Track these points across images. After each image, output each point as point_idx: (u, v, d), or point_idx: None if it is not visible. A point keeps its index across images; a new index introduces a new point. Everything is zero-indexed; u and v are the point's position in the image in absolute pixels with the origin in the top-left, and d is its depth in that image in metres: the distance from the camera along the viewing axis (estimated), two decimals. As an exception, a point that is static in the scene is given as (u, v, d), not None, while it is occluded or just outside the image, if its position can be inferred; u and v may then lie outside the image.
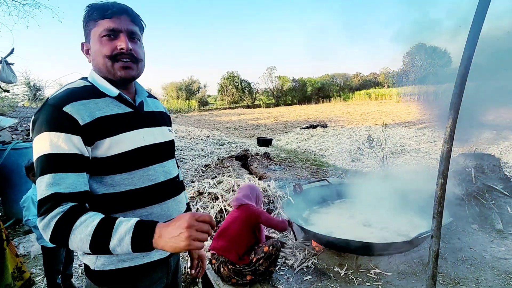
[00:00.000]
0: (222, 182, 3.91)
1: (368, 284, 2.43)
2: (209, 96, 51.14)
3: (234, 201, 2.56)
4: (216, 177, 5.24)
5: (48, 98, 0.98)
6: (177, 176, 1.23)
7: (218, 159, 7.26)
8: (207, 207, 3.48)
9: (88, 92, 1.01)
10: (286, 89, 45.31)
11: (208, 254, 2.76)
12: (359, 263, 2.67)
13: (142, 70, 1.11)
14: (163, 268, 1.15)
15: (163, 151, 1.16)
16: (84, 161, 0.94)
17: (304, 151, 10.10)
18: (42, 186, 0.89)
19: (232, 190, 3.70)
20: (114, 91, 1.04)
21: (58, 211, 0.87)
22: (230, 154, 7.90)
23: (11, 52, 4.71)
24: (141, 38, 1.12)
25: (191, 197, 3.62)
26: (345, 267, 2.63)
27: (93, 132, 0.95)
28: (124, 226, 0.84)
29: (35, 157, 0.92)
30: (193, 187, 3.87)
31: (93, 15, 1.02)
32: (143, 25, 1.13)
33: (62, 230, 0.85)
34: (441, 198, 1.10)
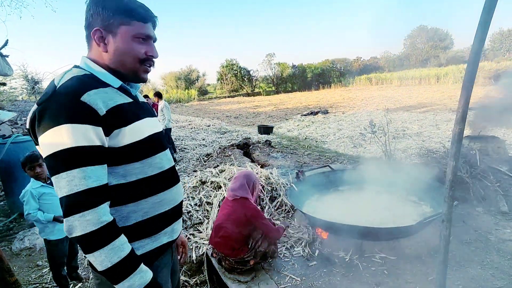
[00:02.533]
0: (224, 170, 3.89)
1: (373, 268, 2.43)
2: (208, 85, 50.73)
3: (229, 191, 2.46)
4: (218, 166, 5.22)
5: (54, 86, 0.94)
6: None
7: (219, 148, 7.24)
8: (210, 196, 3.47)
9: (94, 81, 1.00)
10: (286, 75, 44.85)
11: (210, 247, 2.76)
12: (363, 248, 2.67)
13: None
14: (169, 250, 1.23)
15: (163, 140, 1.21)
16: (105, 152, 0.95)
17: (306, 138, 10.06)
18: (73, 181, 0.87)
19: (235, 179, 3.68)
20: (117, 81, 1.06)
21: (100, 213, 0.90)
22: (231, 143, 7.86)
23: (6, 44, 4.60)
24: None
25: (193, 187, 3.60)
26: (350, 253, 2.63)
27: (111, 122, 0.95)
28: (140, 278, 0.95)
29: (52, 151, 0.88)
30: (195, 176, 3.85)
31: (128, 11, 1.03)
32: None
33: (102, 238, 0.90)
34: (453, 181, 1.07)
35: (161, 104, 7.14)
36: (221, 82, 45.30)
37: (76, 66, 1.06)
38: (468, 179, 3.32)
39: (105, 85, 1.02)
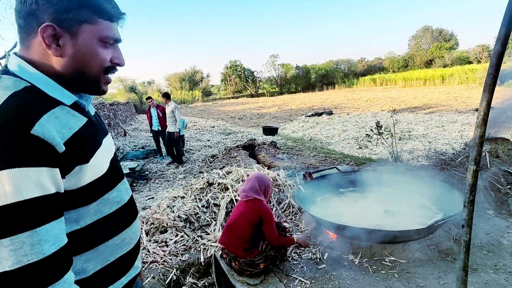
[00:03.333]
0: (231, 172, 3.88)
1: (383, 272, 2.41)
2: (212, 86, 50.99)
3: (241, 192, 2.47)
4: (224, 167, 5.21)
5: None
6: None
7: (225, 149, 7.24)
8: (218, 198, 3.47)
9: (39, 98, 0.72)
10: (290, 76, 44.87)
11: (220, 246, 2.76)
12: (373, 251, 2.64)
13: None
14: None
15: (119, 164, 0.96)
16: (61, 200, 0.71)
17: (311, 139, 10.04)
18: (21, 249, 0.61)
19: (242, 180, 3.67)
20: (71, 97, 0.80)
21: None
22: (236, 144, 7.86)
23: (15, 46, 4.66)
24: None
25: (201, 188, 3.60)
26: (359, 255, 2.61)
27: (70, 158, 0.71)
28: None
29: None
30: (202, 178, 3.85)
31: (94, 6, 0.78)
32: None
33: None
34: (473, 186, 1.05)
35: (171, 105, 6.75)
36: (225, 83, 45.48)
37: (5, 72, 0.75)
38: (478, 182, 3.27)
39: (53, 103, 0.74)
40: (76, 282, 0.76)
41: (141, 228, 3.09)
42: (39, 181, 0.64)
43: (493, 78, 0.99)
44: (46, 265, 0.64)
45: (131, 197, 0.97)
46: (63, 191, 0.71)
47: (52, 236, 0.65)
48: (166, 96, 7.00)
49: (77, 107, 0.82)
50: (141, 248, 2.87)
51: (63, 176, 0.70)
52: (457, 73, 31.03)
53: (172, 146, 6.99)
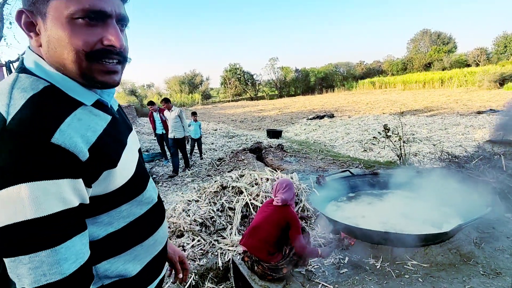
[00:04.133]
0: (244, 175, 3.86)
1: (406, 276, 2.38)
2: (211, 89, 51.05)
3: (280, 199, 2.35)
4: (232, 170, 5.19)
5: (2, 119, 0.58)
6: None
7: (232, 152, 7.22)
8: (232, 202, 3.44)
9: (59, 100, 0.66)
10: (289, 80, 44.99)
11: (240, 249, 2.73)
12: (394, 255, 2.62)
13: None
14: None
15: (143, 160, 0.92)
16: (85, 211, 0.68)
17: (314, 142, 10.04)
18: (40, 268, 0.58)
19: (255, 184, 3.65)
20: (92, 96, 0.73)
21: None
22: (242, 147, 7.85)
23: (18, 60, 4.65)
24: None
25: (215, 192, 3.57)
26: (381, 260, 2.59)
27: (96, 164, 0.66)
28: None
29: (4, 223, 0.56)
30: (215, 181, 3.83)
31: None
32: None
33: None
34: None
35: (176, 110, 6.33)
36: (225, 86, 45.51)
37: (22, 70, 0.68)
38: (495, 184, 3.27)
39: (75, 104, 0.68)
40: (120, 283, 0.77)
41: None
42: (60, 195, 0.59)
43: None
44: (65, 285, 0.60)
45: (158, 194, 0.93)
46: (88, 202, 0.67)
47: (73, 253, 0.62)
48: (167, 101, 6.57)
49: (99, 105, 0.75)
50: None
51: (89, 185, 0.65)
52: (456, 76, 31.14)
53: (174, 151, 6.57)
